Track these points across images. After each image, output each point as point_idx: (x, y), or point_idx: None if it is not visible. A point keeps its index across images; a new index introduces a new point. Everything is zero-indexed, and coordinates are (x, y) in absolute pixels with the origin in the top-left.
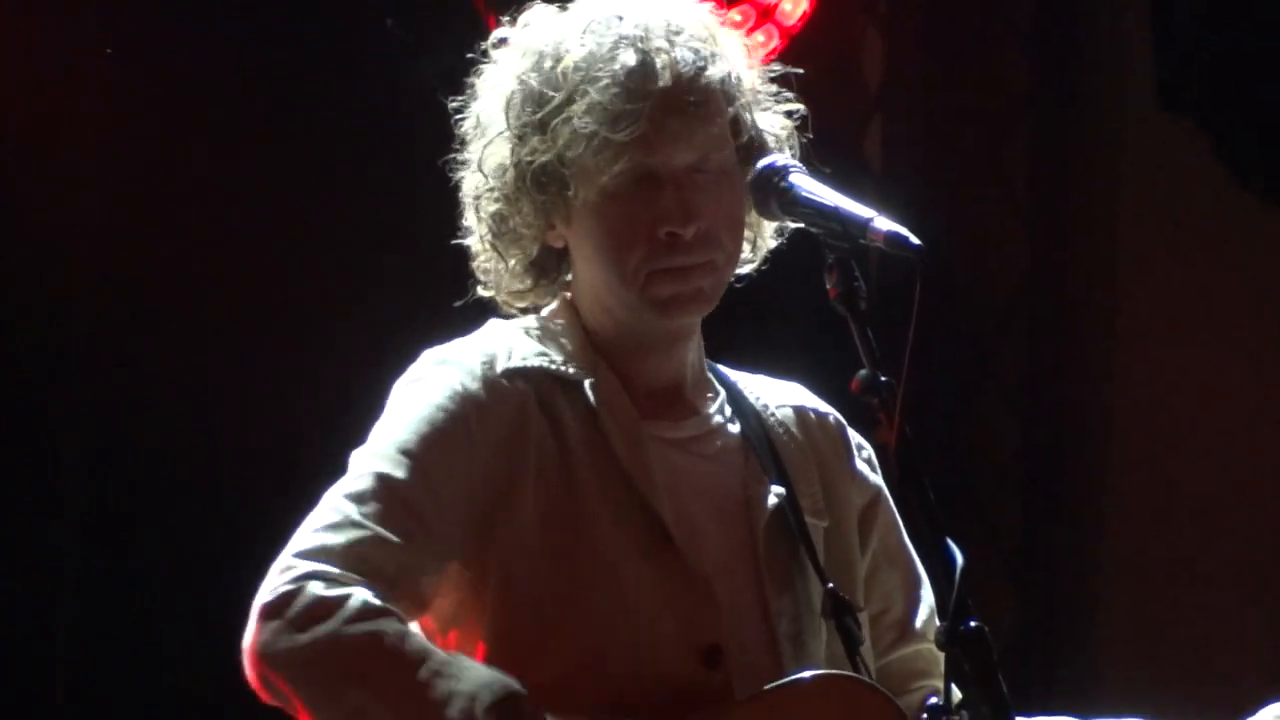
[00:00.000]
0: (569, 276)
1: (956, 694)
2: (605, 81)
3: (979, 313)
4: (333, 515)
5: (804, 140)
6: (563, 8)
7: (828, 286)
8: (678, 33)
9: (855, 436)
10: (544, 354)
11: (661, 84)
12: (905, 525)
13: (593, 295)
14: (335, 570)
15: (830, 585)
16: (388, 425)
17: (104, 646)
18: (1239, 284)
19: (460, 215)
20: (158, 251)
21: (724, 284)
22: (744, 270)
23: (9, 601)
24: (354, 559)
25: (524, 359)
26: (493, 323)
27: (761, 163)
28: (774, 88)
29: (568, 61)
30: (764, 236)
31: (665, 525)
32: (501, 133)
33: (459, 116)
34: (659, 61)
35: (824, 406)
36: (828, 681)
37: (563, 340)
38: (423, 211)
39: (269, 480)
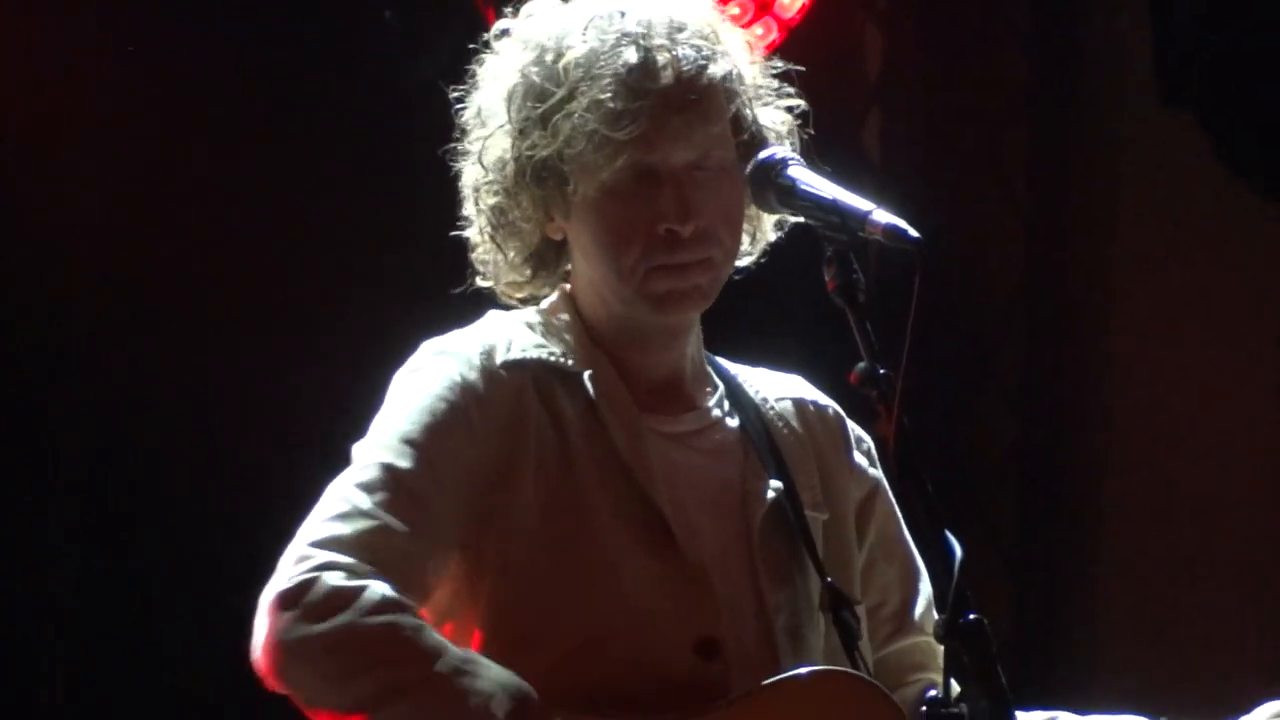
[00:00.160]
0: (568, 268)
1: (955, 687)
2: (607, 79)
3: (978, 312)
4: (341, 505)
5: (804, 136)
6: (565, 0)
7: (826, 279)
8: (680, 30)
9: (855, 429)
10: (543, 346)
11: (663, 82)
12: (904, 517)
13: (591, 289)
14: (350, 560)
15: (829, 579)
16: (389, 416)
17: (103, 646)
18: (1239, 284)
19: (459, 213)
20: (158, 251)
21: (722, 280)
22: (743, 263)
23: (8, 601)
24: (364, 548)
25: (523, 351)
26: (492, 314)
27: (760, 155)
28: (775, 83)
29: (570, 57)
30: (763, 229)
31: (664, 518)
32: (502, 126)
33: (459, 106)
34: (660, 59)
35: (824, 399)
36: (825, 678)
37: (562, 333)
38: (422, 211)
39: (268, 480)
